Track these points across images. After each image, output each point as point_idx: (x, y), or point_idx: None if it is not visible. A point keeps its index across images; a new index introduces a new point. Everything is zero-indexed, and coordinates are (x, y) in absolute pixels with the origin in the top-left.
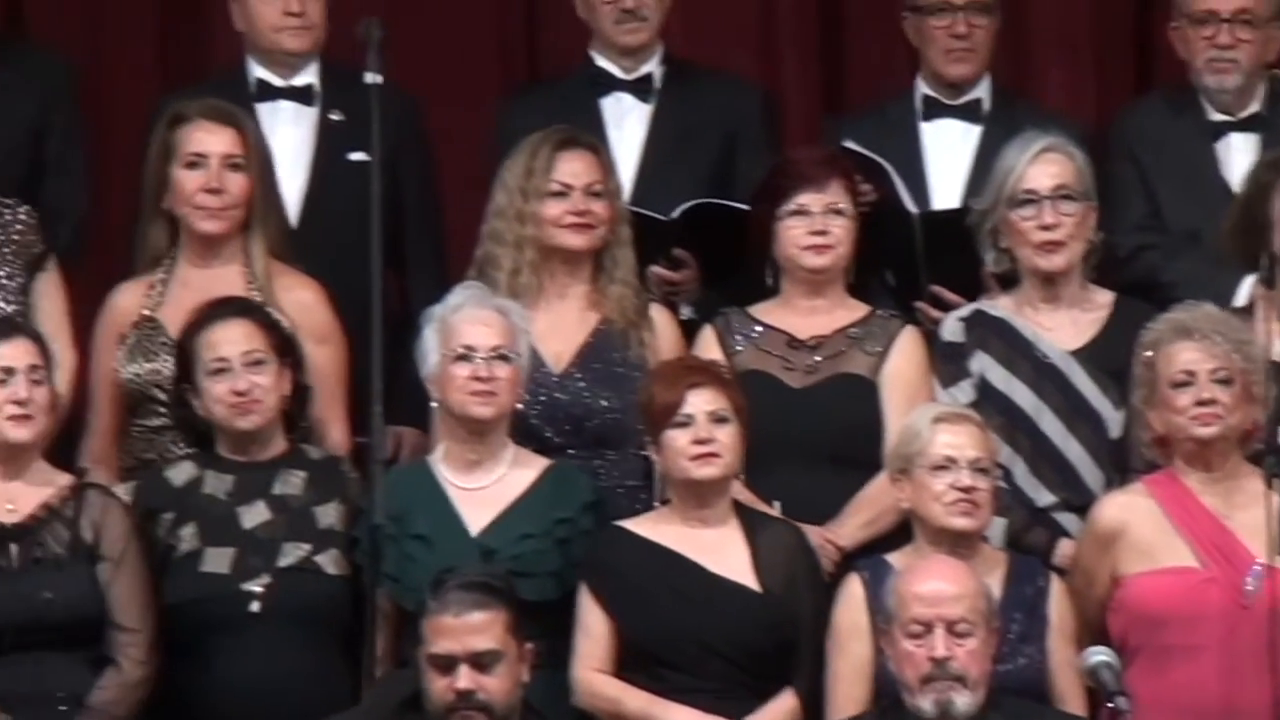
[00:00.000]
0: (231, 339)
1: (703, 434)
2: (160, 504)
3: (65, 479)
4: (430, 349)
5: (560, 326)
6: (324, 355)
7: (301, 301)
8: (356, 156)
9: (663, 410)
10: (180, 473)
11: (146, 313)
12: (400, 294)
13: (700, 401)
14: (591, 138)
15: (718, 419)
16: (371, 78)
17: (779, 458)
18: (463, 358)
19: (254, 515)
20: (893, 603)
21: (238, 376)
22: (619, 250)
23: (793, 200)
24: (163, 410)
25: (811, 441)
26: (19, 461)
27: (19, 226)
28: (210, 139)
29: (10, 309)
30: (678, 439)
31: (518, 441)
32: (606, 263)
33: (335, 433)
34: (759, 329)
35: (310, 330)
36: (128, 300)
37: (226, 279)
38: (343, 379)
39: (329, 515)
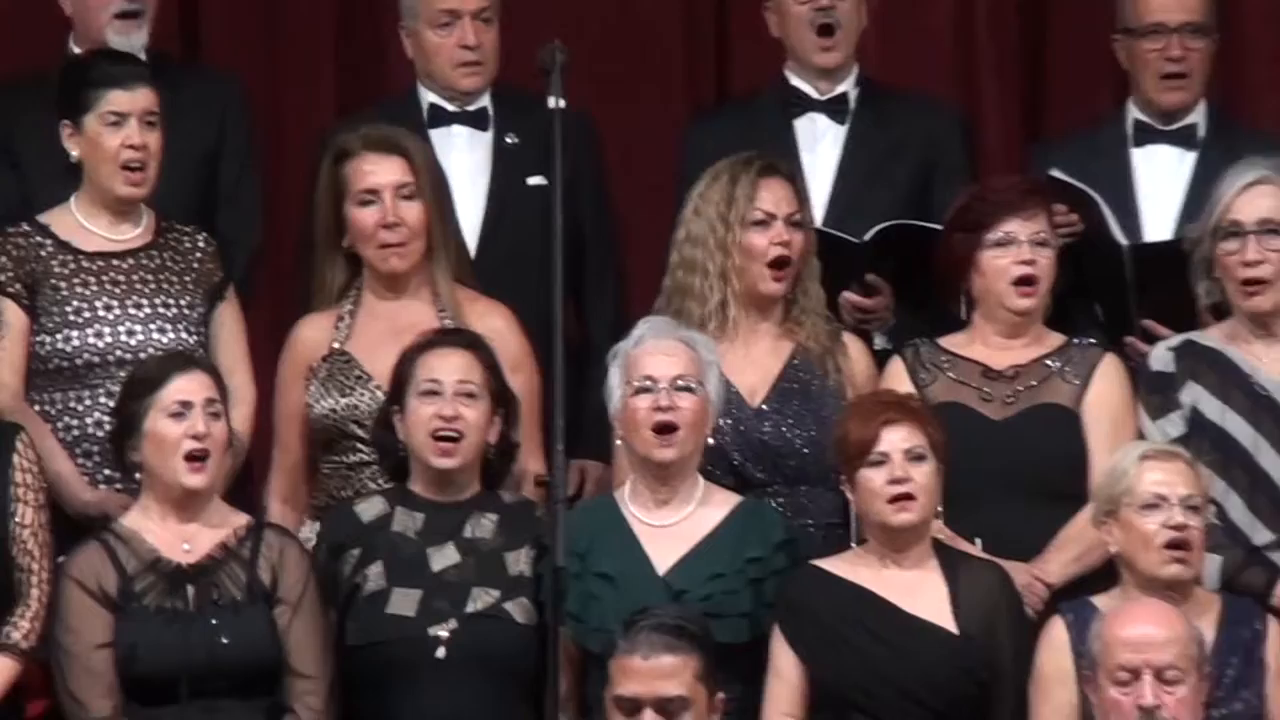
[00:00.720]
0: (450, 365)
1: (899, 473)
2: (348, 539)
3: (242, 519)
4: (614, 385)
5: (753, 358)
6: (518, 384)
7: (493, 328)
8: (535, 181)
9: (857, 448)
10: (370, 508)
11: (336, 346)
12: (578, 322)
13: (896, 439)
14: (790, 165)
15: (914, 457)
16: (554, 102)
17: (978, 493)
18: (644, 389)
19: (443, 557)
20: (1098, 648)
21: (447, 402)
22: (809, 281)
23: (998, 229)
24: (361, 446)
25: (1013, 475)
26: (196, 502)
27: (198, 254)
28: (379, 171)
29: (192, 340)
30: (873, 478)
31: (717, 478)
32: (797, 293)
33: (530, 463)
34: (950, 359)
35: (503, 357)
36: (314, 333)
37: (415, 309)
38: (536, 408)
39: (520, 562)
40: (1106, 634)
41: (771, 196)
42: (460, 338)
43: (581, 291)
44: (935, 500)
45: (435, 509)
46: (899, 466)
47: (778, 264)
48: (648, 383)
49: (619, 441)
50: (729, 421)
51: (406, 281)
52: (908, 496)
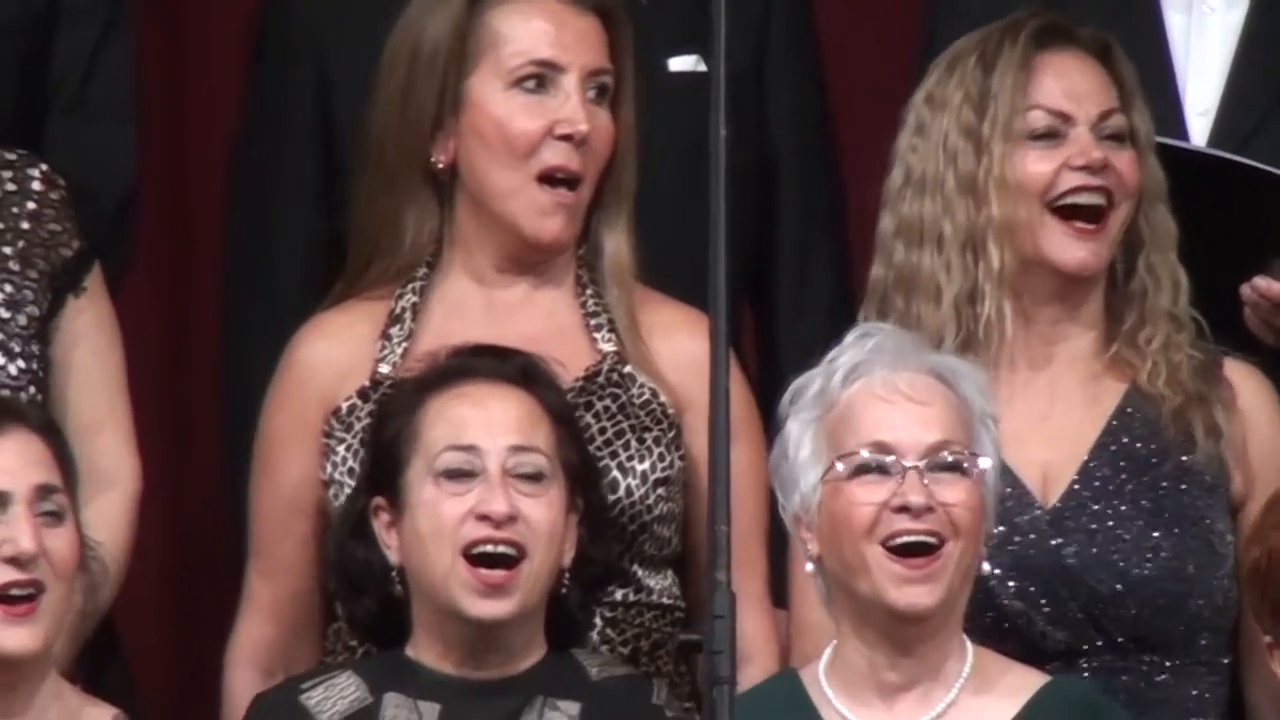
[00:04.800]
0: (495, 417)
1: None
2: None
3: (103, 714)
4: (802, 460)
5: (1053, 411)
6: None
7: (693, 357)
8: (682, 65)
9: None
10: (336, 695)
11: (385, 370)
12: (757, 333)
13: None
14: (1094, 31)
15: None
16: None
17: None
18: (870, 468)
19: None
20: None
21: (493, 487)
22: (1155, 252)
23: None
24: None
25: None
26: (18, 688)
27: (30, 205)
28: (560, 35)
29: (13, 368)
30: None
31: (982, 637)
32: (1128, 276)
33: (748, 587)
34: None
35: (706, 409)
36: (335, 350)
37: (545, 310)
38: (762, 505)
39: None
40: None
41: (1061, 85)
42: (516, 367)
43: (766, 273)
44: None
45: (461, 694)
46: None
47: (1075, 212)
48: (878, 456)
49: (810, 566)
50: (1001, 530)
51: (546, 255)
52: None
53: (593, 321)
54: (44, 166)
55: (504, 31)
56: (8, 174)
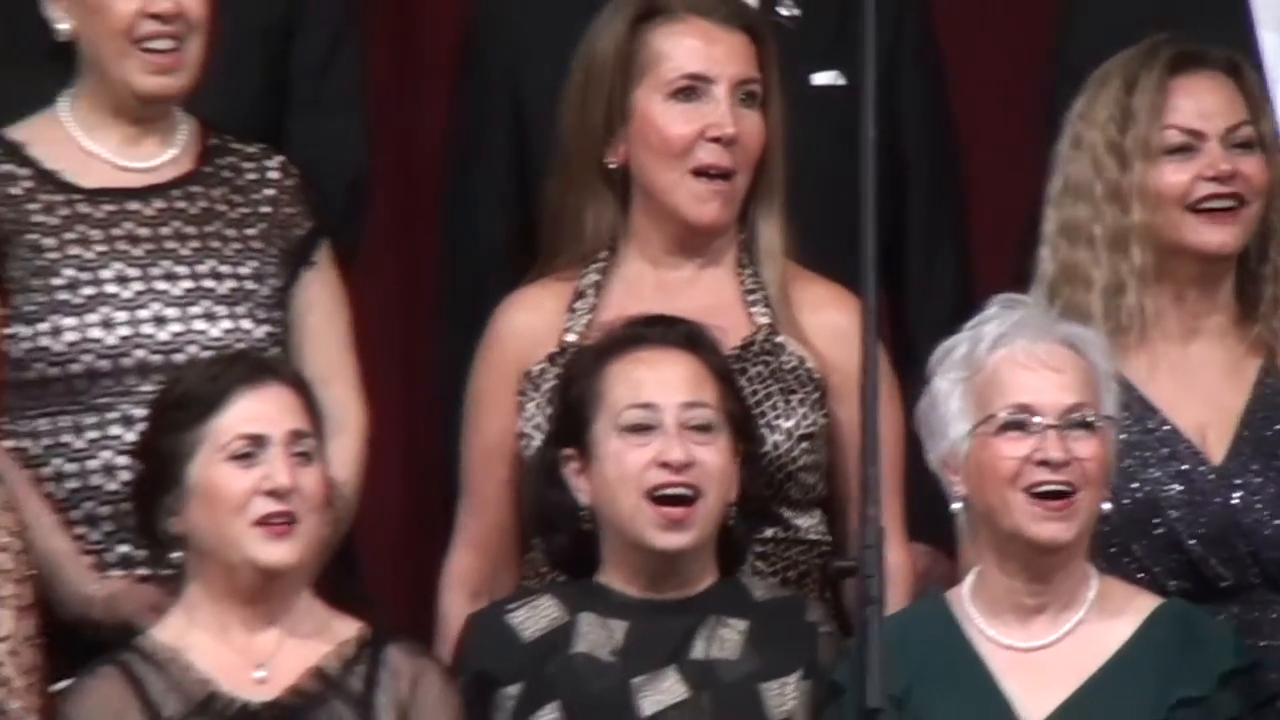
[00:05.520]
0: (669, 378)
1: None
2: (502, 668)
3: (349, 628)
4: (951, 414)
5: (1198, 382)
6: (855, 416)
7: (838, 329)
8: (824, 79)
9: None
10: (536, 616)
11: (572, 339)
12: (892, 315)
13: None
14: (1229, 52)
15: None
16: None
17: None
18: (1014, 425)
19: (660, 693)
20: None
21: (672, 438)
22: None
23: None
24: None
25: None
26: (274, 596)
27: (269, 190)
28: (717, 52)
29: (261, 332)
30: None
31: (1167, 577)
32: (1257, 264)
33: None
34: None
35: (851, 376)
36: (533, 319)
37: (709, 287)
38: (900, 462)
39: (786, 698)
40: None
41: (1193, 105)
42: (682, 333)
43: (898, 262)
44: None
45: (645, 613)
46: None
47: (1212, 211)
48: (1021, 416)
49: (958, 506)
50: (1178, 489)
51: (708, 238)
52: None
53: (750, 297)
54: (281, 158)
55: (663, 49)
56: (250, 165)
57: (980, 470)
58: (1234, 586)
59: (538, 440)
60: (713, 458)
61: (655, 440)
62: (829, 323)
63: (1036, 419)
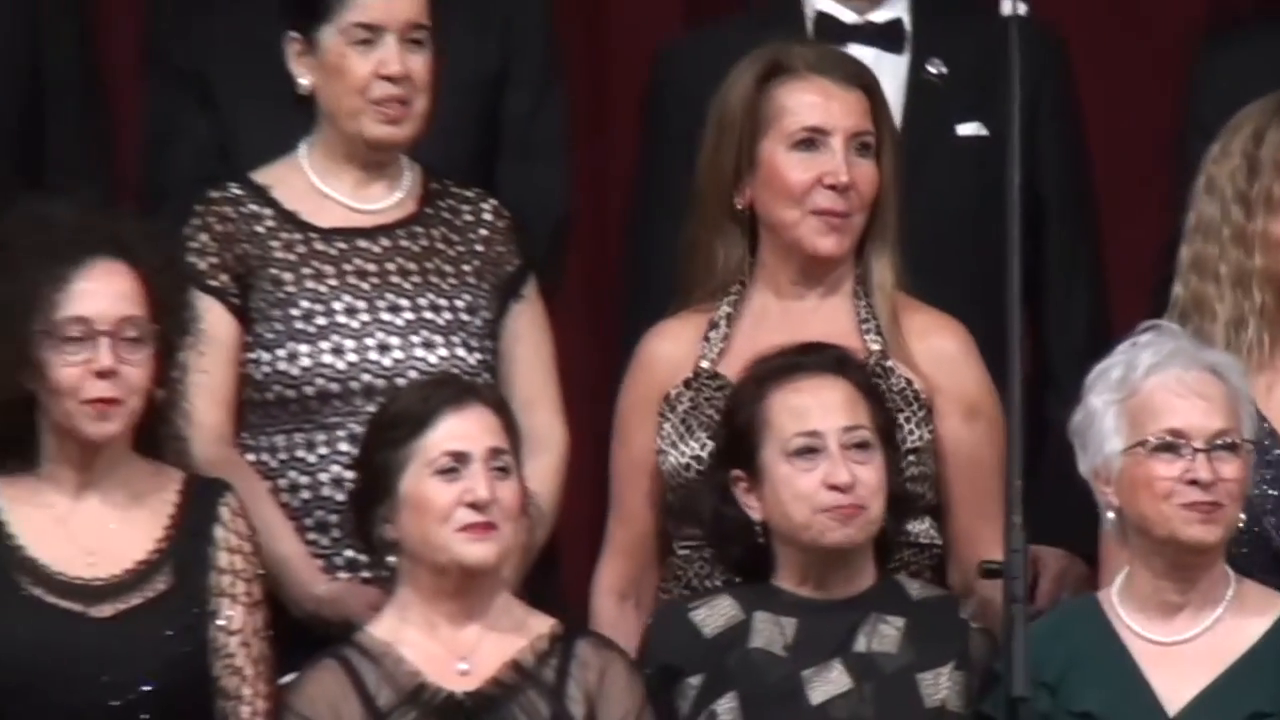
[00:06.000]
0: (829, 404)
1: None
2: (685, 660)
3: (543, 624)
4: (1105, 431)
5: None
6: (973, 436)
7: (943, 353)
8: (969, 130)
9: None
10: (715, 614)
11: (705, 365)
12: (1032, 340)
13: None
14: None
15: None
16: (1010, 7)
17: None
18: (1166, 448)
19: (827, 684)
20: None
21: (837, 463)
22: None
23: None
24: None
25: None
26: (476, 595)
27: (483, 231)
28: (833, 106)
29: (473, 359)
30: None
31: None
32: None
33: (982, 553)
34: None
35: (956, 396)
36: (672, 348)
37: (827, 315)
38: (995, 473)
39: (940, 687)
40: None
41: None
42: (831, 358)
43: (1036, 293)
44: None
45: (812, 612)
46: None
47: None
48: (1174, 440)
49: (1110, 515)
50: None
51: (826, 271)
52: None
53: (863, 325)
54: (494, 201)
55: (786, 104)
56: (467, 207)
57: (1135, 485)
58: None
59: (672, 456)
60: (873, 474)
61: (822, 464)
62: (934, 348)
63: (1187, 443)
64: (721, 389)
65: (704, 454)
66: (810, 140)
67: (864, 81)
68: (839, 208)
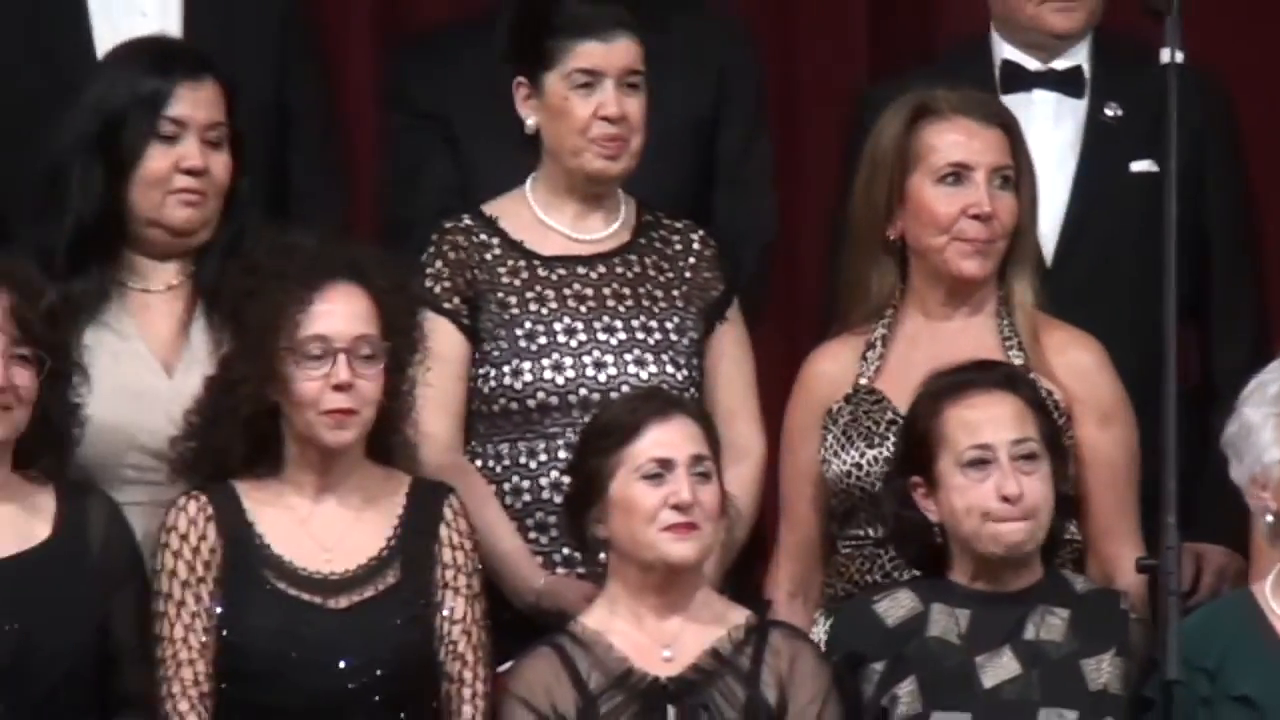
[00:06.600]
0: (1001, 420)
1: None
2: (869, 648)
3: (739, 615)
4: (1262, 441)
5: None
6: (1109, 441)
7: (1079, 366)
8: (1142, 167)
9: None
10: (896, 606)
11: (864, 382)
12: (1200, 358)
13: None
14: None
15: None
16: (1170, 55)
17: None
18: None
19: (999, 669)
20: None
21: (1006, 473)
22: None
23: None
24: None
25: None
26: (679, 590)
27: (691, 259)
28: (975, 144)
29: (680, 376)
30: None
31: None
32: None
33: (1124, 552)
34: None
35: (1092, 405)
36: (834, 367)
37: (973, 334)
38: (1135, 475)
39: (1102, 672)
40: None
41: None
42: (1001, 375)
43: (1203, 315)
44: None
45: (985, 604)
46: None
47: None
48: None
49: (1270, 519)
50: None
51: (971, 293)
52: None
53: (1006, 342)
54: (701, 232)
55: (932, 143)
56: (676, 238)
57: None
58: None
59: (835, 464)
60: (1039, 486)
61: (993, 475)
62: (1071, 361)
63: None
64: (879, 403)
65: (863, 462)
66: (955, 174)
67: (1003, 121)
68: (981, 236)
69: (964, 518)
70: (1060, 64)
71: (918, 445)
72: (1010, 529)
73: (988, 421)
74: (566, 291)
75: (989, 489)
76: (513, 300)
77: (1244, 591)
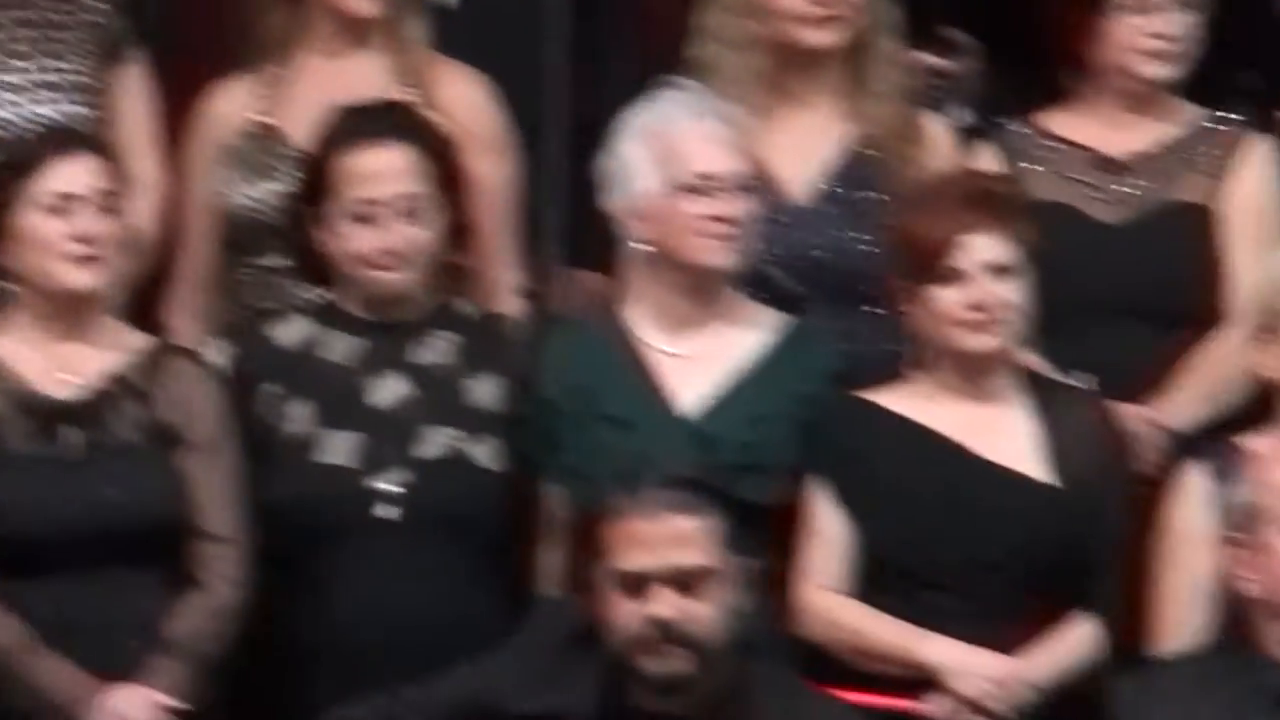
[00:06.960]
0: (386, 172)
1: (978, 295)
2: (263, 371)
3: (140, 341)
4: (638, 173)
5: (802, 145)
6: (491, 170)
7: (466, 99)
8: None
9: (925, 256)
10: (290, 331)
11: (260, 118)
12: (585, 94)
13: (978, 250)
14: None
15: (1000, 271)
16: None
17: (1084, 313)
18: (697, 190)
19: (387, 390)
20: (1258, 497)
21: (389, 228)
22: (880, 41)
23: None
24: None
25: (1129, 292)
26: (81, 317)
27: (89, 2)
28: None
29: (83, 114)
30: (944, 298)
31: (745, 293)
32: (862, 61)
33: (505, 276)
34: (1052, 144)
35: (476, 137)
36: (227, 105)
37: (365, 71)
38: (514, 203)
39: (485, 391)
40: (1271, 481)
41: None
42: (391, 120)
43: (592, 54)
44: (1024, 322)
45: (375, 330)
46: (980, 286)
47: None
48: (702, 182)
49: (638, 245)
50: (763, 221)
51: (363, 33)
52: (990, 321)
53: (399, 79)
54: None
55: None
56: None
57: (663, 220)
58: (808, 298)
59: (230, 195)
60: (423, 230)
61: (378, 230)
62: (460, 94)
63: (716, 185)
64: (274, 138)
65: (258, 195)
66: None
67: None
68: None
69: (345, 256)
70: None
71: (315, 182)
72: (390, 278)
73: (375, 176)
74: None
75: (370, 243)
76: None
77: (614, 316)
